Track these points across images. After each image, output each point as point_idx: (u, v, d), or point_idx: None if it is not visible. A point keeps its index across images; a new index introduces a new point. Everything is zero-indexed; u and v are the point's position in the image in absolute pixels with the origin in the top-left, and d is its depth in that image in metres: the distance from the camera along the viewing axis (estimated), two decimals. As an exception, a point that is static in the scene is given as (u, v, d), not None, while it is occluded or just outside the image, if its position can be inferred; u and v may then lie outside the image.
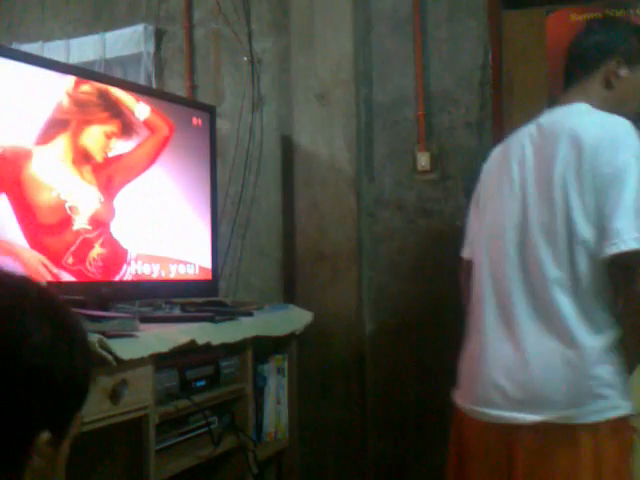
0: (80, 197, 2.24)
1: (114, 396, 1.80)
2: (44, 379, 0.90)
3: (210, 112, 2.82)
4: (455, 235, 2.87)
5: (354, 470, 2.94)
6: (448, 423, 2.84)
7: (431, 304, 2.91)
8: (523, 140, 1.94)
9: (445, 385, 2.87)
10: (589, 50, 1.93)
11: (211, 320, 2.26)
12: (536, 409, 1.75)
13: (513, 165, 1.91)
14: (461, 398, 2.00)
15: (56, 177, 2.19)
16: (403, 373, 2.95)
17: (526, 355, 1.79)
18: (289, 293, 3.01)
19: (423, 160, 2.90)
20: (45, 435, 0.91)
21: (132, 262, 2.41)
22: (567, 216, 1.74)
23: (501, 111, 2.87)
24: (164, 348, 1.96)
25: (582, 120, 1.82)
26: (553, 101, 2.08)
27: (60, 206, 2.19)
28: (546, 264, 1.78)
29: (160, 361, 2.01)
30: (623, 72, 1.89)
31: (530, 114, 2.83)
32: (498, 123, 2.86)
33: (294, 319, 2.71)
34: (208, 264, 2.69)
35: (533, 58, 2.86)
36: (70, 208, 2.21)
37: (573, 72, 1.98)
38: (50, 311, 0.95)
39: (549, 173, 1.78)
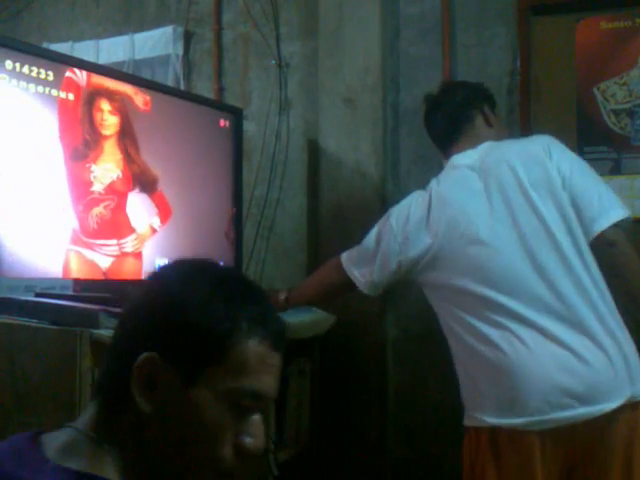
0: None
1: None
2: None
3: (237, 114, 2.84)
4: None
5: (373, 475, 2.93)
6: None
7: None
8: (470, 177, 2.13)
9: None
10: (462, 105, 2.28)
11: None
12: (612, 395, 1.84)
13: (492, 191, 2.05)
14: (502, 415, 1.94)
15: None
16: (425, 379, 2.94)
17: (578, 352, 1.86)
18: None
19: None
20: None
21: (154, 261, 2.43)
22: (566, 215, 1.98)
23: (529, 118, 2.85)
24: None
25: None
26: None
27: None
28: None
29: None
30: (492, 112, 2.33)
31: (558, 121, 2.85)
32: (526, 130, 2.84)
33: (317, 322, 2.71)
34: (232, 265, 2.70)
35: (562, 65, 2.84)
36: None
37: (455, 128, 2.27)
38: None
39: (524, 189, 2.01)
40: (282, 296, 2.39)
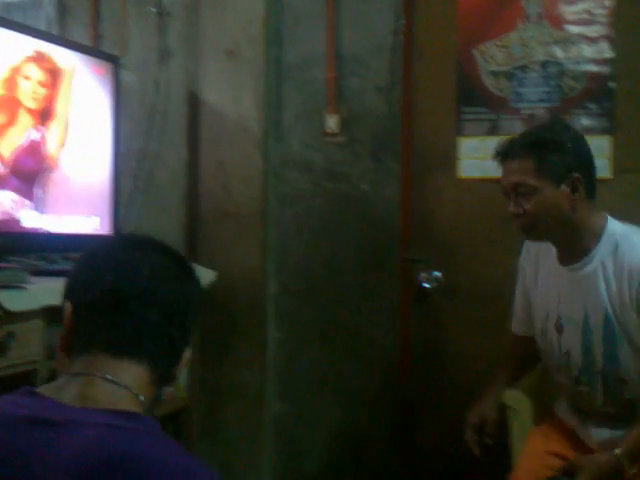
0: None
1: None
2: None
3: (114, 62, 2.73)
4: (362, 199, 2.90)
5: (253, 430, 2.94)
6: (350, 382, 2.90)
7: (336, 266, 2.93)
8: None
9: (348, 346, 2.93)
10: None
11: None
12: None
13: None
14: None
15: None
16: (305, 335, 2.96)
17: None
18: (192, 252, 2.96)
19: (332, 123, 2.89)
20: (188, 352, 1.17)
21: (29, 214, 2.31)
22: None
23: (411, 77, 2.87)
24: (55, 301, 1.89)
25: None
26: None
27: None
28: None
29: (51, 315, 1.93)
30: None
31: (439, 81, 2.88)
32: (407, 89, 2.87)
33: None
34: (108, 219, 2.62)
35: (444, 26, 2.87)
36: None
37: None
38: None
39: None
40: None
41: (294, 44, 2.93)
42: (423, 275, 2.86)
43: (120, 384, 1.05)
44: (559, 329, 2.04)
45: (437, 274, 2.86)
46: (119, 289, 1.09)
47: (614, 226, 1.97)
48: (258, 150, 2.87)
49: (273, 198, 2.93)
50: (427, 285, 2.86)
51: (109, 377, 1.05)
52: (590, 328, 1.97)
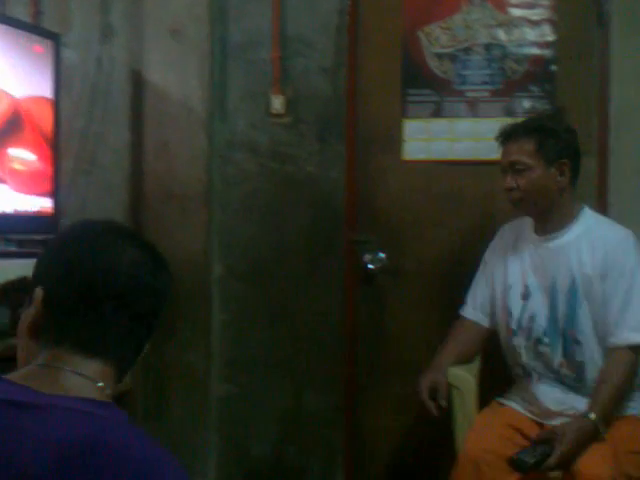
0: None
1: None
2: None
3: (54, 40, 2.67)
4: (307, 180, 2.89)
5: (198, 412, 2.93)
6: (296, 363, 2.91)
7: (281, 248, 2.92)
8: None
9: (293, 328, 2.93)
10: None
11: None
12: None
13: None
14: None
15: None
16: (250, 316, 2.95)
17: None
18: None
19: (277, 103, 2.87)
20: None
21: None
22: None
23: (356, 58, 2.87)
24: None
25: None
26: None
27: None
28: None
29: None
30: None
31: (384, 62, 2.89)
32: (353, 70, 2.86)
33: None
34: (49, 200, 2.57)
35: (390, 7, 2.88)
36: None
37: None
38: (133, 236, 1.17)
39: None
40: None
41: (239, 24, 2.90)
42: (368, 256, 2.88)
43: (89, 377, 1.06)
44: (525, 296, 2.30)
45: (382, 255, 2.88)
46: (94, 286, 1.08)
47: (590, 213, 2.31)
48: (203, 131, 2.84)
49: (218, 179, 2.91)
50: (372, 266, 2.88)
51: (78, 371, 1.06)
52: (557, 292, 2.24)
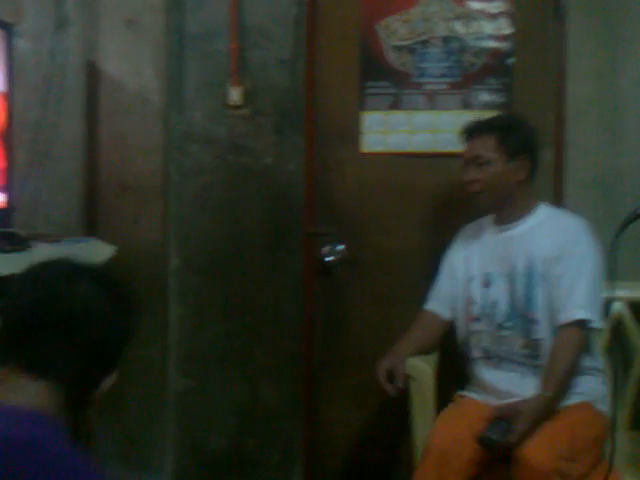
0: None
1: None
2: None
3: (7, 30, 2.61)
4: (265, 172, 2.88)
5: (156, 406, 2.91)
6: (254, 356, 2.90)
7: (239, 241, 2.91)
8: None
9: (251, 321, 2.92)
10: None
11: (1, 250, 2.13)
12: None
13: None
14: None
15: None
16: (210, 309, 2.94)
17: None
18: (92, 227, 2.88)
19: (235, 95, 2.85)
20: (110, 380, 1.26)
21: None
22: None
23: (314, 50, 2.86)
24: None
25: None
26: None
27: None
28: None
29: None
30: None
31: (342, 55, 2.88)
32: (311, 62, 2.85)
33: (93, 253, 2.59)
34: (2, 193, 2.52)
35: (348, -1, 2.87)
36: None
37: None
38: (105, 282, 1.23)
39: None
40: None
41: (196, 14, 2.87)
42: (326, 249, 2.88)
43: (29, 395, 1.12)
44: (487, 283, 2.40)
45: (340, 247, 2.88)
46: (37, 314, 1.15)
47: (545, 206, 2.43)
48: (159, 122, 2.81)
49: (174, 171, 2.88)
50: (330, 258, 2.87)
51: (20, 389, 1.12)
52: (516, 277, 2.35)
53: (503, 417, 2.13)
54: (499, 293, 2.38)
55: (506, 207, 2.38)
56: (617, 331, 2.64)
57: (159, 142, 2.82)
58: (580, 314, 2.23)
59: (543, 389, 2.19)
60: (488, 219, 2.47)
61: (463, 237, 2.54)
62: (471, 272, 2.45)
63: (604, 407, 2.30)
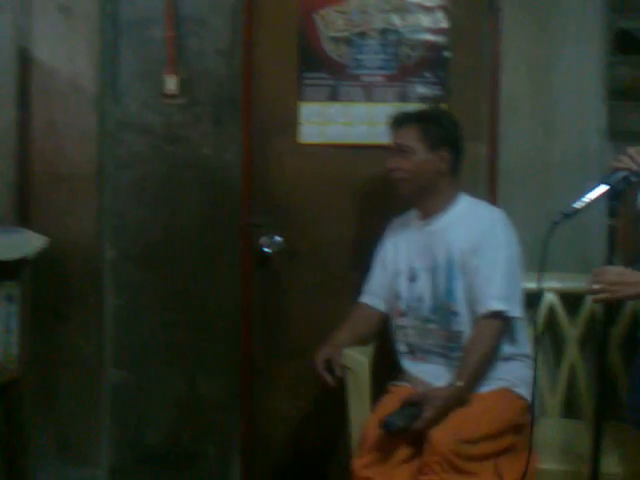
0: None
1: None
2: None
3: None
4: (202, 163, 2.85)
5: (91, 400, 2.87)
6: (192, 349, 2.88)
7: (175, 232, 2.88)
8: None
9: (188, 313, 2.89)
10: None
11: None
12: None
13: None
14: None
15: None
16: (146, 301, 2.91)
17: None
18: (24, 218, 2.82)
19: (171, 84, 2.82)
20: None
21: None
22: None
23: (252, 41, 2.84)
24: None
25: None
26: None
27: None
28: None
29: None
30: None
31: (280, 45, 2.86)
32: (248, 51, 2.83)
33: (25, 243, 2.55)
34: None
35: (285, -12, 2.86)
36: None
37: None
38: None
39: None
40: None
41: (131, 1, 2.83)
42: (264, 240, 2.87)
43: None
44: (412, 278, 2.45)
45: (278, 239, 2.87)
46: None
47: (466, 197, 2.48)
48: (93, 110, 2.77)
49: (109, 161, 2.84)
50: (268, 250, 2.87)
51: None
52: (438, 270, 2.40)
53: (413, 403, 2.18)
54: (424, 287, 2.43)
55: (428, 199, 2.44)
56: (549, 321, 2.71)
57: (93, 131, 2.78)
58: (496, 305, 2.28)
59: (456, 378, 2.25)
60: (414, 213, 2.52)
61: (391, 231, 2.58)
62: (398, 266, 2.49)
63: (525, 391, 2.33)
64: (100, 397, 2.89)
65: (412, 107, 2.60)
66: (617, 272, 1.85)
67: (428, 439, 2.13)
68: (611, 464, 2.20)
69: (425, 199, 2.44)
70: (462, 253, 2.36)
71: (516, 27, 2.77)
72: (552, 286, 2.65)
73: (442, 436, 2.11)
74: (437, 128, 2.41)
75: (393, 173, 2.44)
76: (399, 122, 2.46)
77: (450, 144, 2.42)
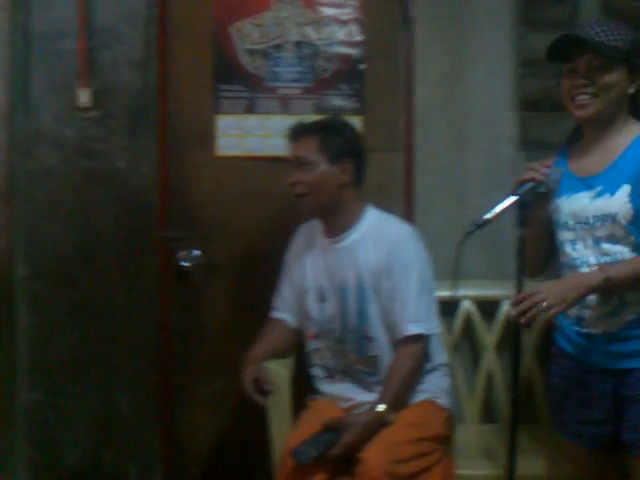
0: None
1: None
2: None
3: None
4: (117, 176, 2.81)
5: (4, 422, 2.79)
6: (109, 367, 2.81)
7: (90, 247, 2.83)
8: None
9: (105, 330, 2.83)
10: None
11: None
12: None
13: None
14: None
15: None
16: (60, 318, 2.83)
17: None
18: None
19: (84, 97, 2.77)
20: None
21: None
22: None
23: (166, 53, 2.81)
24: None
25: None
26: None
27: None
28: None
29: None
30: None
31: (195, 57, 2.85)
32: (163, 63, 2.81)
33: None
34: None
35: (200, 1, 2.84)
36: None
37: None
38: None
39: None
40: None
41: (42, 13, 2.77)
42: (182, 254, 2.83)
43: None
44: (322, 298, 2.37)
45: (196, 252, 2.84)
46: None
47: (373, 211, 2.39)
48: (3, 124, 2.70)
49: (21, 175, 2.77)
50: (186, 264, 2.84)
51: None
52: (347, 292, 2.32)
53: (331, 429, 2.14)
54: (333, 308, 2.36)
55: (333, 215, 2.34)
56: (466, 328, 2.75)
57: (3, 144, 2.71)
58: (414, 329, 2.24)
59: (378, 402, 2.19)
60: (319, 227, 2.42)
61: (298, 241, 2.50)
62: (305, 284, 2.41)
63: (447, 401, 2.34)
64: (14, 418, 2.80)
65: (310, 118, 2.52)
66: (551, 285, 1.81)
67: (361, 460, 2.06)
68: (529, 466, 2.23)
69: (329, 215, 2.35)
70: (372, 275, 2.28)
71: (429, 39, 2.83)
72: (468, 294, 2.69)
73: (375, 457, 2.05)
74: (337, 138, 2.32)
75: (294, 188, 2.32)
76: (297, 134, 2.37)
77: (352, 154, 2.33)
